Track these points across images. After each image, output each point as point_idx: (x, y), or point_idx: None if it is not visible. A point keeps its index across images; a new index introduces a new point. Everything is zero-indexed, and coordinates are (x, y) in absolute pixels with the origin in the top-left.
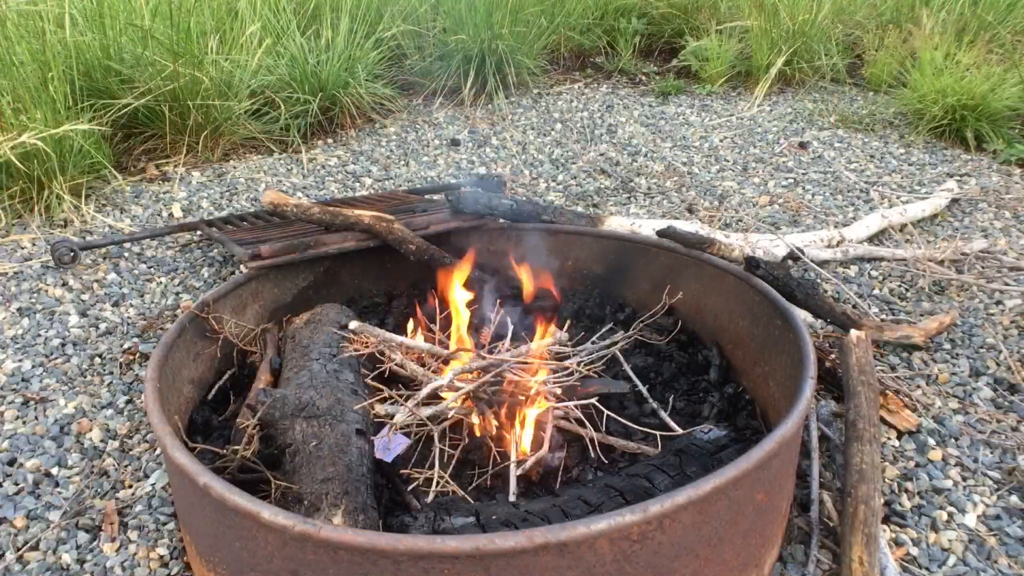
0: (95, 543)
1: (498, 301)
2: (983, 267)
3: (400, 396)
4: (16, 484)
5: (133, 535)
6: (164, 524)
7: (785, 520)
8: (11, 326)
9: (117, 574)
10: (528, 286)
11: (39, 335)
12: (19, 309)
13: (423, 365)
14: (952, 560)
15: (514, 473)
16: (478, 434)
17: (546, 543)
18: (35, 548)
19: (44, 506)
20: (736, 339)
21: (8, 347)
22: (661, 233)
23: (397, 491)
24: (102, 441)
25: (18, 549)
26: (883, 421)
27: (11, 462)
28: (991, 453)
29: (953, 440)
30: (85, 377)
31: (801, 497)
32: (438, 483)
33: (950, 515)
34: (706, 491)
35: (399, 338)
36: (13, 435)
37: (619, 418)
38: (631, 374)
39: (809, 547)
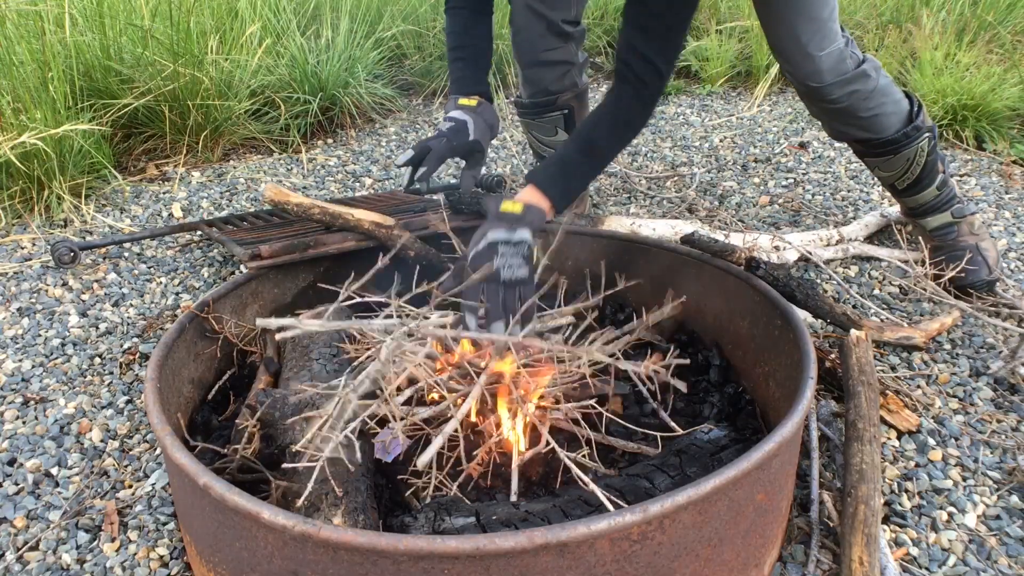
0: (95, 543)
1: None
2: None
3: None
4: (16, 484)
5: (133, 535)
6: (164, 524)
7: (785, 520)
8: (11, 326)
9: (117, 574)
10: None
11: (39, 335)
12: (19, 309)
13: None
14: (952, 560)
15: (515, 473)
16: (476, 433)
17: (546, 543)
18: (35, 548)
19: (44, 506)
20: (736, 339)
21: (8, 347)
22: (685, 240)
23: (397, 491)
24: (102, 441)
25: (18, 549)
26: (883, 421)
27: (11, 462)
28: (991, 453)
29: (953, 440)
30: (85, 377)
31: (801, 497)
32: (437, 483)
33: (950, 515)
34: (706, 491)
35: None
36: (13, 435)
37: (619, 419)
38: (631, 374)
39: (809, 547)
